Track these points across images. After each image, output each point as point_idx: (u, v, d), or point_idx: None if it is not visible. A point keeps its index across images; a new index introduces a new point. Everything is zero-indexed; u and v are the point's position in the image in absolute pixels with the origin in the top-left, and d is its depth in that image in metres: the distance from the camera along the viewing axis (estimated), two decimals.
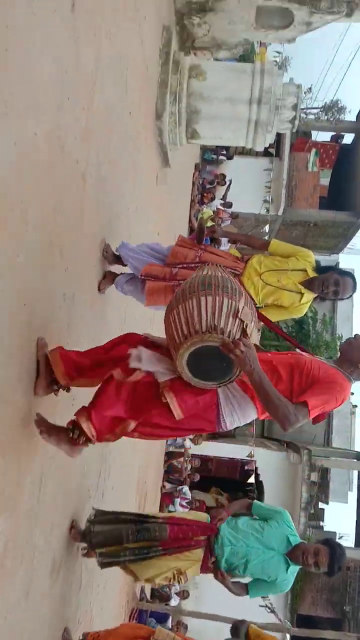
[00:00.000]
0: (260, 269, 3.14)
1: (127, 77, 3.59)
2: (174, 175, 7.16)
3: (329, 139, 17.09)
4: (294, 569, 2.90)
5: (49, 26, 2.04)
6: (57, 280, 2.32)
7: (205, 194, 13.05)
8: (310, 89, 16.34)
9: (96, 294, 3.15)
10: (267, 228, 13.37)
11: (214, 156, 14.45)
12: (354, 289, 3.10)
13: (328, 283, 3.06)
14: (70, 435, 2.13)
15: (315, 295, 3.10)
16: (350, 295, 3.14)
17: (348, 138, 16.80)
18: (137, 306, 4.57)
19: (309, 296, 3.12)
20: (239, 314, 1.93)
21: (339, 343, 17.23)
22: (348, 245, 17.30)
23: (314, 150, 15.58)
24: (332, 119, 15.16)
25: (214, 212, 12.83)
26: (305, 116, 14.61)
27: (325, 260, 19.31)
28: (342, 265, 21.53)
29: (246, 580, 2.97)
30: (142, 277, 3.14)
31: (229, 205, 13.55)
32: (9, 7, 1.68)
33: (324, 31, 6.20)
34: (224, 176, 13.81)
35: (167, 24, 5.08)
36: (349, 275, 3.08)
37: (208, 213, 12.52)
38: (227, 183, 13.72)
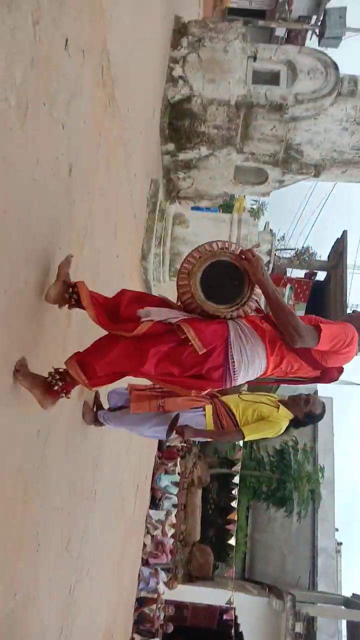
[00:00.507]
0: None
1: (116, 225, 3.91)
2: None
3: (303, 275, 18.25)
4: None
5: (46, 212, 2.25)
6: (32, 418, 2.31)
7: None
8: (283, 237, 18.04)
9: (70, 432, 3.11)
10: None
11: None
12: (324, 408, 3.42)
13: (299, 398, 3.35)
14: (49, 382, 2.11)
15: (292, 416, 3.30)
16: (322, 412, 3.37)
17: (321, 275, 17.97)
18: (112, 439, 4.50)
19: (285, 409, 3.31)
20: None
21: (320, 475, 16.77)
22: None
23: (289, 286, 16.55)
24: (303, 262, 16.58)
25: None
26: (279, 259, 15.80)
27: (305, 388, 19.51)
28: (320, 394, 21.71)
29: None
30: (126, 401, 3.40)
31: None
32: (11, 175, 1.88)
33: (296, 185, 6.96)
34: None
35: (155, 178, 5.65)
36: (316, 397, 3.45)
37: None
38: None
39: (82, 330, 3.11)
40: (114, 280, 4.02)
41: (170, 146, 6.03)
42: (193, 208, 7.65)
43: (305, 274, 17.89)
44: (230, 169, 6.32)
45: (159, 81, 5.70)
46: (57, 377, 2.16)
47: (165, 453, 10.33)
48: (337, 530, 19.24)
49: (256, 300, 2.23)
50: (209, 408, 3.32)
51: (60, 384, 2.15)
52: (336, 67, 5.98)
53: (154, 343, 2.09)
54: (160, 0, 5.51)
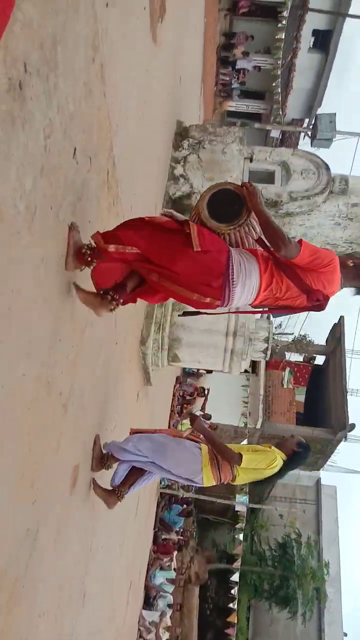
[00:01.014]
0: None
1: (116, 313, 3.99)
2: (155, 390, 7.43)
3: (302, 359, 18.32)
4: None
5: (49, 305, 2.35)
6: (21, 516, 2.24)
7: (184, 405, 13.34)
8: (280, 324, 18.68)
9: (61, 530, 2.99)
10: (245, 442, 13.41)
11: (195, 370, 15.18)
12: (309, 448, 3.67)
13: (286, 438, 3.68)
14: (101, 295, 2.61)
15: (284, 456, 3.48)
16: (307, 449, 3.61)
17: (320, 359, 18.02)
18: (105, 535, 4.31)
19: (276, 449, 3.51)
20: None
21: (326, 571, 15.80)
22: (328, 462, 17.15)
23: (288, 369, 16.57)
24: (301, 348, 16.93)
25: None
26: (277, 346, 16.08)
27: (306, 475, 18.90)
28: (323, 482, 20.99)
29: None
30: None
31: (208, 417, 13.78)
32: (14, 275, 1.96)
33: None
34: (203, 389, 14.33)
35: None
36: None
37: (187, 425, 12.65)
38: (206, 393, 14.20)
39: (77, 417, 3.09)
40: (110, 369, 4.05)
41: None
42: None
43: (304, 358, 17.99)
44: None
45: (161, 179, 6.07)
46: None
47: (160, 547, 9.81)
48: (345, 635, 17.84)
49: (253, 228, 2.61)
50: (204, 446, 3.47)
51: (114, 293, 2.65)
52: (327, 168, 6.40)
53: (165, 234, 2.50)
54: (164, 107, 6.00)
